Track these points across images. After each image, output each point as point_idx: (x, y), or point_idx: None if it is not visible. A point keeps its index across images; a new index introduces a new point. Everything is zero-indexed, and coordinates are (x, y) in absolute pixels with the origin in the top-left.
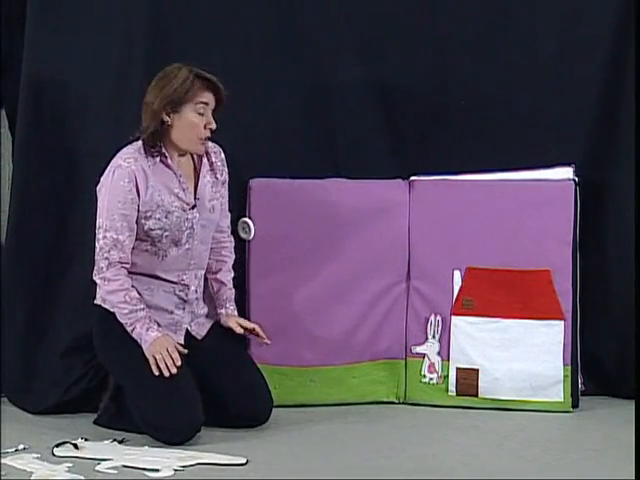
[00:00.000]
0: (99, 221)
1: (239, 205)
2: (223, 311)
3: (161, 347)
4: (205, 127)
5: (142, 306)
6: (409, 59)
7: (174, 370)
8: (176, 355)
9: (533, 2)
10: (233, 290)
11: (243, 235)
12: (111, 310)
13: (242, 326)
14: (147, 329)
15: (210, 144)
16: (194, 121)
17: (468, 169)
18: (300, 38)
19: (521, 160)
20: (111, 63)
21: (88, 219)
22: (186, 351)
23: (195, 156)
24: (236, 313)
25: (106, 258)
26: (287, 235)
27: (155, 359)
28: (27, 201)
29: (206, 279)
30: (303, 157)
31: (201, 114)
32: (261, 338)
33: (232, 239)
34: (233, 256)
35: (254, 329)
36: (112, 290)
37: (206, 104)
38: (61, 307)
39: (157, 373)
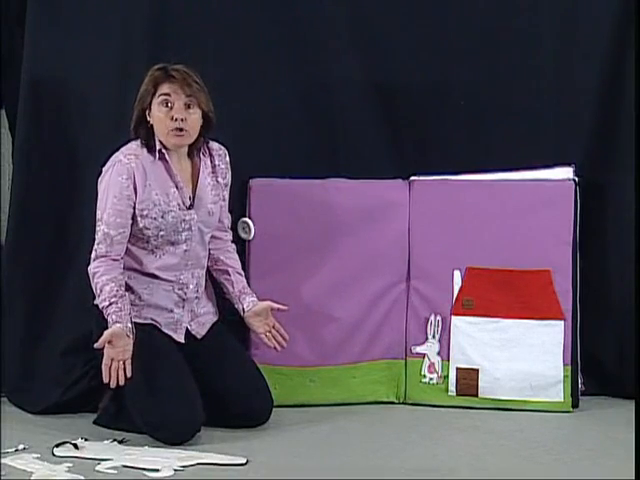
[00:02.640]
0: (97, 213)
1: (239, 205)
2: (255, 299)
3: (116, 355)
4: (172, 119)
5: (107, 303)
6: (409, 59)
7: (122, 382)
8: (127, 370)
9: (533, 2)
10: None
11: (243, 235)
12: None
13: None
14: (110, 327)
15: (215, 146)
16: (158, 115)
17: (468, 169)
18: (300, 38)
19: (521, 160)
20: (111, 63)
21: (88, 219)
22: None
23: (196, 157)
24: None
25: (95, 250)
26: (287, 235)
27: (110, 365)
28: (27, 201)
29: (211, 278)
30: (303, 157)
31: (166, 106)
32: (281, 338)
33: (231, 234)
34: (235, 246)
35: (279, 330)
36: (94, 283)
37: (168, 95)
38: (61, 307)
39: (107, 380)
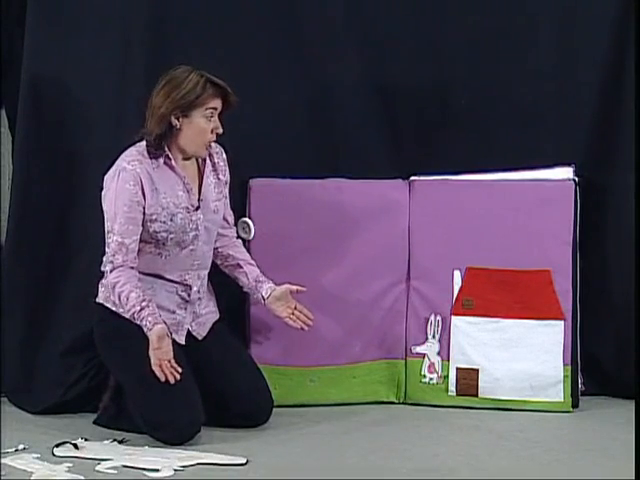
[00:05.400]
0: (107, 225)
1: (239, 205)
2: (272, 284)
3: (162, 356)
4: (212, 132)
5: (138, 307)
6: (409, 59)
7: (178, 378)
8: (176, 367)
9: (533, 3)
10: None
11: (243, 235)
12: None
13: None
14: (148, 330)
15: (212, 144)
16: (203, 127)
17: (468, 169)
18: (300, 38)
19: (521, 160)
20: (111, 63)
21: (88, 220)
22: (180, 370)
23: (199, 158)
24: None
25: (111, 262)
26: (287, 235)
27: (161, 367)
28: (27, 201)
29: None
30: (303, 157)
31: (209, 119)
32: (306, 317)
33: (235, 230)
34: (241, 241)
35: (302, 310)
36: (116, 293)
37: (215, 109)
38: (61, 307)
39: (164, 379)
